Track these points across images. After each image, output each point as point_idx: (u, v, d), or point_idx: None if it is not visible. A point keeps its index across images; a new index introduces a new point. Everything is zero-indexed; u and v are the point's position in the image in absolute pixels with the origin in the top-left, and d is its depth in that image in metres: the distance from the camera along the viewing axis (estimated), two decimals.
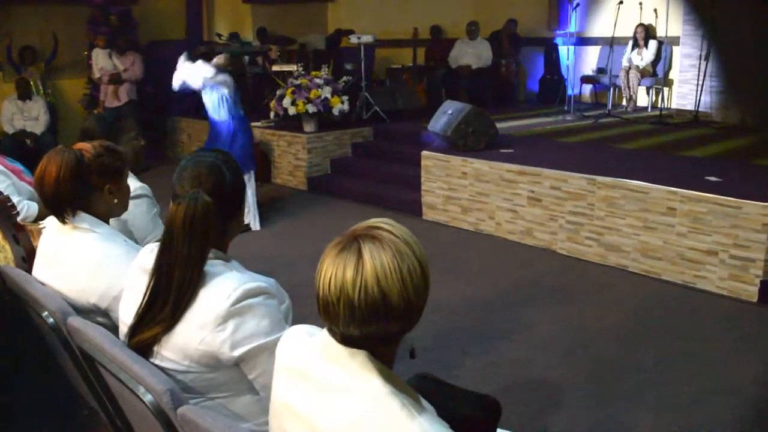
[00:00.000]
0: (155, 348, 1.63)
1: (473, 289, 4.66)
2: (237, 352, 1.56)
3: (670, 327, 4.06)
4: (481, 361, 3.66)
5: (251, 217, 6.10)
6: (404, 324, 1.24)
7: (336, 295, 1.20)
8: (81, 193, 2.08)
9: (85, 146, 2.15)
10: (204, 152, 1.78)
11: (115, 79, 8.45)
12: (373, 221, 1.27)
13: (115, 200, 2.19)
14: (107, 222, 2.19)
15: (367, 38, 8.27)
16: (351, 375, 1.24)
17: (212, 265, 1.64)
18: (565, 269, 5.03)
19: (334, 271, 1.20)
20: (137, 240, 2.84)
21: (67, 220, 2.07)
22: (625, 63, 8.75)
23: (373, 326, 1.20)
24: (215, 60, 6.17)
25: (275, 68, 8.91)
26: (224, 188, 1.70)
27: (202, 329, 1.57)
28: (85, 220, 2.09)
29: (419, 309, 1.25)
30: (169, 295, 1.59)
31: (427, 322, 4.19)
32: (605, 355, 3.73)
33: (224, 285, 1.58)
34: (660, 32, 8.50)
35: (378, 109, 8.07)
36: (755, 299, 4.33)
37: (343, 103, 7.38)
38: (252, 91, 9.34)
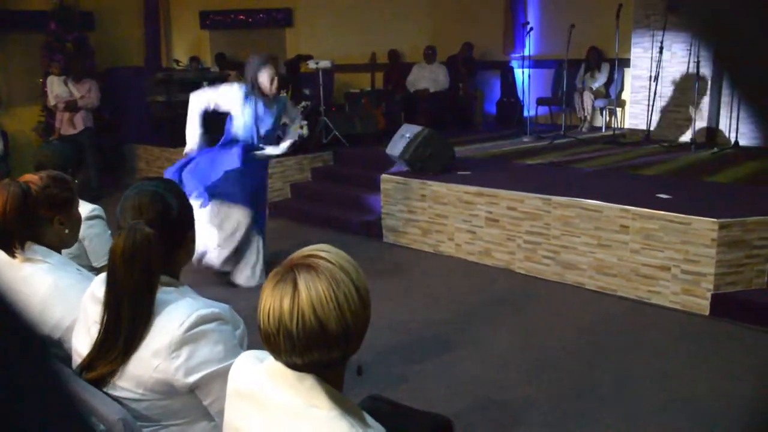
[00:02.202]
0: (109, 378, 1.62)
1: (433, 310, 4.69)
2: (191, 379, 1.56)
3: (627, 342, 4.14)
4: (441, 380, 3.68)
5: (254, 270, 5.12)
6: (345, 349, 1.26)
7: (275, 326, 1.22)
8: (29, 226, 2.06)
9: (32, 178, 2.14)
10: (147, 181, 1.79)
11: (71, 107, 8.35)
12: (310, 249, 1.29)
13: (66, 230, 2.17)
14: (59, 252, 2.17)
15: (325, 63, 8.34)
16: (300, 399, 1.25)
17: (165, 292, 1.64)
18: (524, 288, 5.09)
19: (272, 302, 1.23)
20: (93, 261, 2.83)
21: (16, 254, 2.05)
22: (578, 85, 8.96)
23: (315, 354, 1.22)
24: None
25: None
26: (168, 216, 1.70)
27: (156, 357, 1.56)
28: (36, 251, 2.07)
29: (359, 333, 1.27)
30: (120, 330, 1.59)
31: (386, 342, 4.22)
32: (564, 372, 3.78)
33: (177, 312, 1.58)
34: (611, 54, 8.73)
35: (338, 133, 8.12)
36: (707, 312, 4.44)
37: (302, 128, 7.40)
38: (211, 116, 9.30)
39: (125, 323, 1.58)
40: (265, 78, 4.83)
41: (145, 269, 1.58)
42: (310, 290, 1.21)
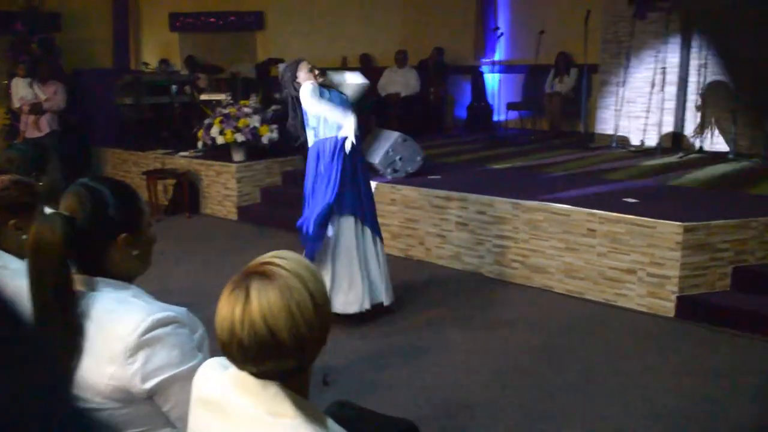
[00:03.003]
0: None
1: (400, 315, 4.69)
2: (148, 385, 1.53)
3: (594, 345, 4.18)
4: (408, 385, 3.68)
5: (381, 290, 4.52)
6: (301, 358, 1.24)
7: (228, 335, 1.21)
8: None
9: None
10: (83, 179, 1.73)
11: (36, 109, 8.22)
12: (269, 255, 1.28)
13: (24, 236, 2.13)
14: (22, 258, 2.13)
15: None
16: (264, 407, 1.24)
17: (115, 291, 1.60)
18: (493, 292, 5.12)
19: (226, 311, 1.22)
20: None
21: None
22: (547, 89, 9.05)
23: (268, 363, 1.21)
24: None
25: (203, 97, 8.84)
26: (101, 210, 1.63)
27: (111, 363, 1.53)
28: None
29: (315, 341, 1.25)
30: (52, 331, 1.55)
31: (353, 348, 4.21)
32: (531, 375, 3.81)
33: (131, 316, 1.55)
34: (580, 60, 8.83)
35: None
36: (672, 314, 4.50)
37: (272, 131, 7.38)
38: (180, 120, 9.24)
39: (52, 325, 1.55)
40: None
41: (53, 264, 1.52)
42: (261, 299, 1.20)
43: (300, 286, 1.23)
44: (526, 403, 3.49)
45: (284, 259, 1.26)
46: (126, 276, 1.69)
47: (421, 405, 3.46)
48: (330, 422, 1.28)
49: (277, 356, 1.20)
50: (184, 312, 1.64)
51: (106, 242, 1.65)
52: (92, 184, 1.69)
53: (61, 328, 1.53)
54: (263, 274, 1.23)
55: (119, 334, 1.53)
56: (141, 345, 1.53)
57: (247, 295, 1.20)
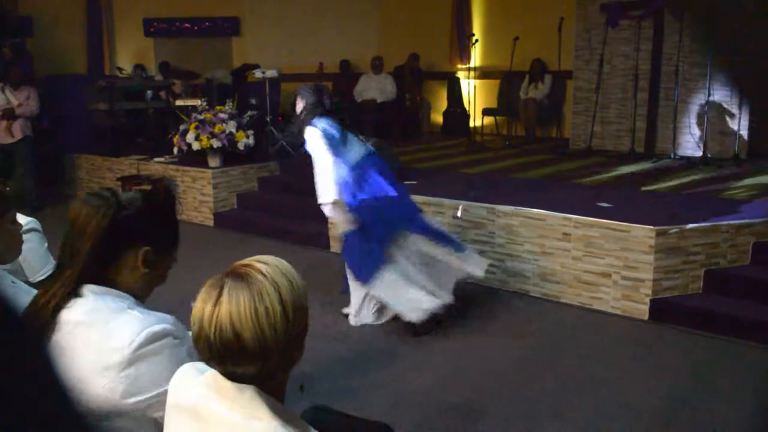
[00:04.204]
0: None
1: None
2: (141, 397, 1.50)
3: (570, 348, 4.22)
4: (387, 391, 3.68)
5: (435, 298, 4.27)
6: (264, 364, 1.23)
7: (197, 331, 1.22)
8: None
9: None
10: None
11: (8, 114, 8.10)
12: (252, 258, 1.28)
13: None
14: None
15: (272, 73, 8.31)
16: (240, 411, 1.24)
17: (113, 300, 1.56)
18: (470, 296, 5.14)
19: (199, 307, 1.23)
20: (29, 275, 2.72)
21: None
22: (522, 95, 9.13)
23: (229, 365, 1.21)
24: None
25: (179, 103, 8.79)
26: (118, 216, 1.58)
27: (104, 375, 1.50)
28: None
29: (280, 350, 1.23)
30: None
31: (331, 353, 4.20)
32: (508, 380, 3.83)
33: (127, 328, 1.51)
34: (554, 66, 8.93)
35: (284, 142, 8.08)
36: (646, 317, 4.56)
37: (248, 137, 7.35)
38: (155, 126, 9.17)
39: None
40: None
41: (85, 243, 1.54)
42: (231, 300, 1.20)
43: (273, 292, 1.22)
44: (502, 408, 3.51)
45: (265, 264, 1.26)
46: (125, 291, 1.63)
47: (398, 411, 3.46)
48: (306, 426, 1.28)
49: (239, 359, 1.21)
50: (173, 320, 1.61)
51: (127, 247, 1.61)
52: (141, 191, 1.68)
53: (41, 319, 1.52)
54: (240, 276, 1.23)
55: (114, 345, 1.50)
56: (135, 359, 1.50)
57: (220, 294, 1.21)
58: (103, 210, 1.55)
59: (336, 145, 4.18)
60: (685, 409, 3.46)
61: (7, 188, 2.58)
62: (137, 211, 1.60)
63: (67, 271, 1.55)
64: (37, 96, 8.30)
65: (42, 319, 1.52)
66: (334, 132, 4.17)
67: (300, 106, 4.34)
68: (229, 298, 1.20)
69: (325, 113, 4.22)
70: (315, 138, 4.15)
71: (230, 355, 1.20)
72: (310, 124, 4.20)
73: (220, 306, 1.20)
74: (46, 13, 10.14)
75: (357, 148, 4.29)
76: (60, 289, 1.55)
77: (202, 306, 1.22)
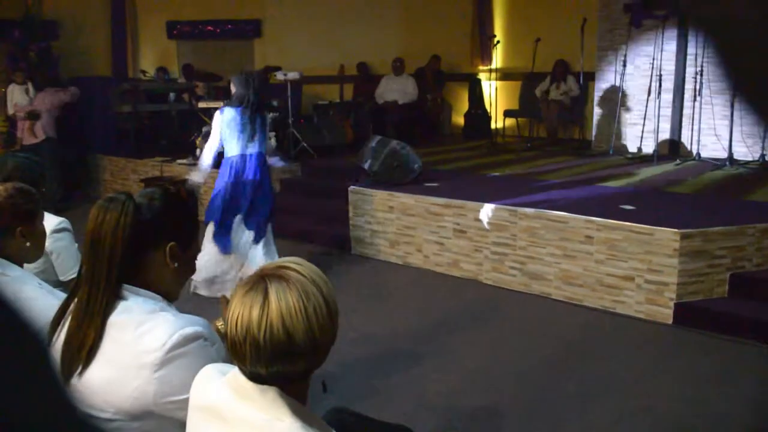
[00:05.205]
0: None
1: (400, 321, 4.69)
2: (174, 398, 1.50)
3: (592, 352, 4.19)
4: (408, 392, 3.68)
5: None
6: (310, 362, 1.27)
7: (242, 334, 1.22)
8: None
9: None
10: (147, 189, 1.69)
11: (33, 115, 8.22)
12: (282, 261, 1.30)
13: (28, 243, 2.12)
14: (21, 265, 2.13)
15: (293, 75, 8.33)
16: (262, 412, 1.25)
17: (144, 302, 1.56)
18: (491, 299, 5.13)
19: (241, 311, 1.23)
20: (60, 275, 2.76)
21: None
22: (545, 97, 9.08)
23: (279, 365, 1.22)
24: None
25: (202, 105, 8.85)
26: (139, 215, 1.57)
27: (137, 377, 1.50)
28: None
29: (325, 347, 1.28)
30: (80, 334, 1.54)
31: (353, 353, 4.21)
32: (530, 383, 3.81)
33: (160, 330, 1.51)
34: (577, 67, 8.87)
35: (306, 144, 8.10)
36: (670, 321, 4.51)
37: (270, 139, 7.37)
38: (178, 127, 9.25)
39: (87, 316, 1.53)
40: None
41: (107, 253, 1.52)
42: (281, 301, 1.22)
43: (317, 292, 1.25)
44: (524, 411, 3.49)
45: (300, 265, 1.28)
46: (157, 289, 1.63)
47: (418, 412, 3.45)
48: (327, 428, 1.29)
49: (289, 359, 1.22)
50: (206, 324, 1.62)
51: (153, 247, 1.61)
52: (157, 186, 1.67)
53: (92, 328, 1.52)
54: (281, 277, 1.24)
55: (148, 347, 1.50)
56: (167, 361, 1.50)
57: (266, 296, 1.22)
58: (123, 215, 1.54)
59: (231, 132, 4.92)
60: (709, 415, 3.42)
61: (43, 189, 2.62)
62: (158, 211, 1.60)
63: (100, 282, 1.54)
64: (64, 95, 8.41)
65: (83, 347, 1.53)
66: (234, 122, 4.90)
67: (233, 90, 5.06)
68: (277, 299, 1.21)
69: (243, 104, 4.89)
70: (217, 118, 4.96)
71: (281, 356, 1.22)
72: (221, 109, 4.99)
73: (268, 308, 1.21)
74: (71, 17, 10.26)
75: (251, 143, 4.98)
76: (101, 299, 1.55)
77: (246, 311, 1.22)
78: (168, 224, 1.63)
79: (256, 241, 5.01)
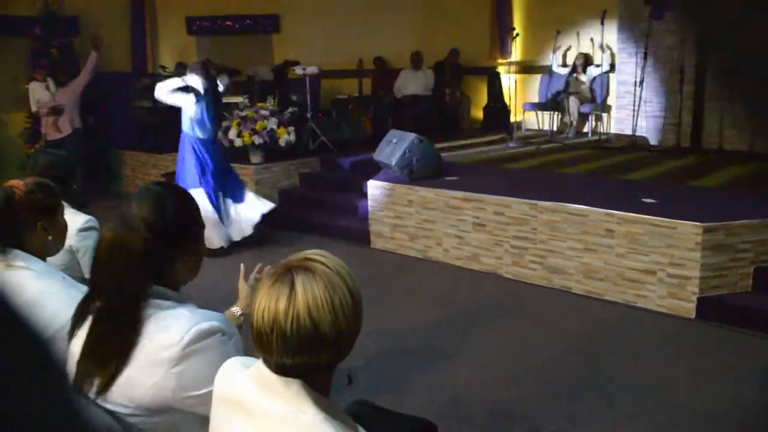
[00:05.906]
0: (100, 390, 1.55)
1: (420, 315, 4.69)
2: (194, 393, 1.52)
3: (614, 346, 4.16)
4: (427, 385, 3.68)
5: None
6: (336, 353, 1.27)
7: (269, 325, 1.22)
8: (11, 231, 2.04)
9: (17, 183, 2.12)
10: (151, 184, 1.70)
11: (56, 111, 8.30)
12: (307, 253, 1.30)
13: (50, 237, 2.15)
14: (44, 259, 2.15)
15: (312, 69, 8.33)
16: (286, 404, 1.25)
17: (158, 304, 1.58)
18: (511, 293, 5.11)
19: (268, 302, 1.23)
20: (86, 273, 2.80)
21: None
22: (565, 90, 9.01)
23: (305, 356, 1.23)
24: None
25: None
26: (163, 221, 1.58)
27: (155, 373, 1.52)
28: (18, 257, 2.04)
29: (351, 339, 1.28)
30: (109, 338, 1.55)
31: (373, 347, 4.22)
32: (550, 376, 3.79)
33: (177, 325, 1.53)
34: (597, 60, 8.79)
35: (325, 139, 8.11)
36: (693, 315, 4.47)
37: (289, 134, 7.40)
38: None
39: (113, 330, 1.55)
40: None
41: (127, 271, 1.53)
42: (307, 292, 1.22)
43: (342, 284, 1.26)
44: (545, 405, 3.48)
45: (325, 257, 1.29)
46: (175, 285, 1.66)
47: (438, 405, 3.45)
48: (350, 420, 1.29)
49: (315, 350, 1.23)
50: (222, 318, 1.63)
51: (179, 254, 1.63)
52: (166, 189, 1.67)
53: (125, 335, 1.53)
54: (307, 269, 1.25)
55: (165, 343, 1.52)
56: (185, 356, 1.51)
57: (292, 288, 1.23)
58: (136, 234, 1.55)
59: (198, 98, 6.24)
60: (733, 410, 3.38)
61: (74, 186, 2.64)
62: (171, 219, 1.60)
63: (121, 297, 1.56)
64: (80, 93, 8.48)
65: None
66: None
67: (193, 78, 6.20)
68: (303, 290, 1.22)
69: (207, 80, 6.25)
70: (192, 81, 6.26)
71: (307, 347, 1.22)
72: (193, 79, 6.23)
73: (295, 299, 1.22)
74: (92, 13, 10.33)
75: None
76: (133, 311, 1.56)
77: (273, 302, 1.23)
78: (181, 228, 1.64)
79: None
